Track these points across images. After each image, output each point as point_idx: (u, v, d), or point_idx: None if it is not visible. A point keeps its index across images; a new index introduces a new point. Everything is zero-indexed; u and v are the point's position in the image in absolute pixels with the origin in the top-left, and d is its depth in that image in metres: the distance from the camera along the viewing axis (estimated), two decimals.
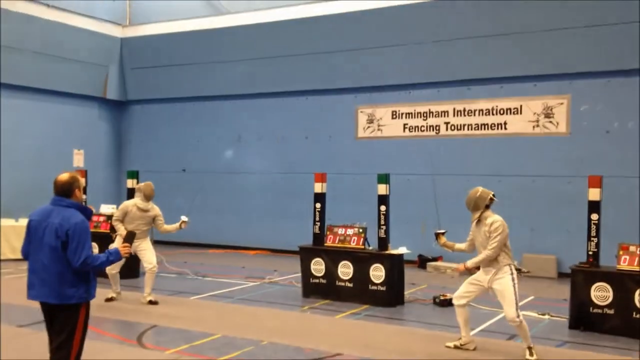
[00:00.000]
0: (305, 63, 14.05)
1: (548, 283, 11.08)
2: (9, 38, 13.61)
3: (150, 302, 8.62)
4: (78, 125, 15.65)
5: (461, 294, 6.55)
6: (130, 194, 11.22)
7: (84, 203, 4.90)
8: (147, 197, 8.67)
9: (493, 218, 6.38)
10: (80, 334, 4.50)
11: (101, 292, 8.02)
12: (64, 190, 4.48)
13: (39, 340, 5.77)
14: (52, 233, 4.37)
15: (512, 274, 6.24)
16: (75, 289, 4.40)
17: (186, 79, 15.60)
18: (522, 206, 12.06)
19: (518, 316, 6.13)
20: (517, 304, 6.16)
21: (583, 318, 7.57)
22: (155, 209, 8.78)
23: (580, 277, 7.65)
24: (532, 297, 9.61)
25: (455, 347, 6.62)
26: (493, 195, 6.50)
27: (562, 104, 11.83)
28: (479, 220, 6.43)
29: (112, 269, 8.62)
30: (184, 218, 8.74)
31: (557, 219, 11.74)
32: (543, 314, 8.30)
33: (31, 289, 4.48)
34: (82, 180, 4.70)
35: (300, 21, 14.00)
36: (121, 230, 8.51)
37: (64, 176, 4.53)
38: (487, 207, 6.46)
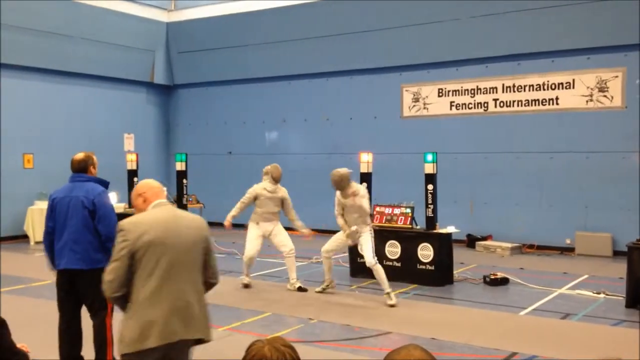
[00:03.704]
0: (350, 42, 13.91)
1: (603, 262, 10.78)
2: (58, 26, 13.95)
3: (300, 289, 8.36)
4: (127, 110, 15.99)
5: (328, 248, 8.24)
6: (180, 176, 11.47)
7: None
8: (275, 179, 8.51)
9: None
10: None
11: None
12: (81, 167, 4.97)
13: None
14: (78, 205, 4.76)
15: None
16: (102, 254, 4.69)
17: (231, 62, 15.69)
18: (575, 183, 11.74)
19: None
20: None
21: None
22: (282, 190, 8.60)
23: (638, 255, 7.40)
24: (586, 276, 9.38)
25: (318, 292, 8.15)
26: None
27: (616, 77, 11.38)
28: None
29: (248, 256, 8.48)
30: (306, 231, 8.65)
31: (612, 196, 11.37)
32: (598, 293, 8.09)
33: (60, 259, 4.82)
34: (96, 159, 5.11)
35: (345, 1, 13.84)
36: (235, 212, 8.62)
37: (79, 155, 5.04)
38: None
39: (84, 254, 4.72)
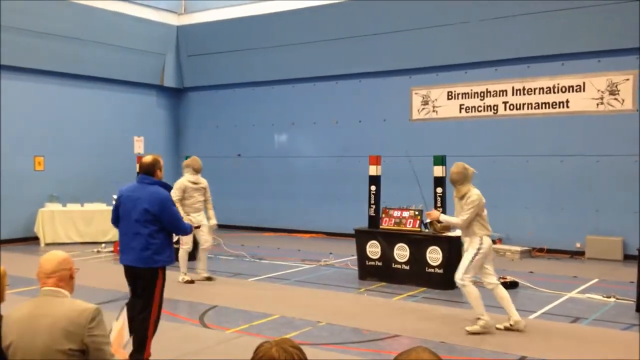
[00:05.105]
0: (359, 45, 13.92)
1: (614, 266, 10.70)
2: (70, 29, 14.05)
3: (208, 279, 9.01)
4: (137, 113, 16.06)
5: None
6: None
7: None
8: (196, 171, 8.95)
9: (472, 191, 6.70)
10: (159, 296, 5.07)
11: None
12: (148, 170, 5.15)
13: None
14: (142, 206, 4.98)
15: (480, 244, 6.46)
16: (159, 255, 5.01)
17: (241, 65, 15.74)
18: (586, 187, 11.67)
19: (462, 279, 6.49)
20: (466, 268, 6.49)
21: None
22: (204, 181, 9.07)
23: None
24: (596, 280, 9.32)
25: (506, 328, 6.51)
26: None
27: (627, 80, 11.31)
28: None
29: (188, 249, 9.03)
30: (213, 223, 9.10)
31: (623, 200, 11.29)
32: (608, 297, 8.03)
33: (122, 254, 5.17)
34: (162, 162, 5.33)
35: (353, 3, 13.87)
36: (180, 212, 8.73)
37: (148, 158, 5.23)
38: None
39: (140, 254, 4.98)
